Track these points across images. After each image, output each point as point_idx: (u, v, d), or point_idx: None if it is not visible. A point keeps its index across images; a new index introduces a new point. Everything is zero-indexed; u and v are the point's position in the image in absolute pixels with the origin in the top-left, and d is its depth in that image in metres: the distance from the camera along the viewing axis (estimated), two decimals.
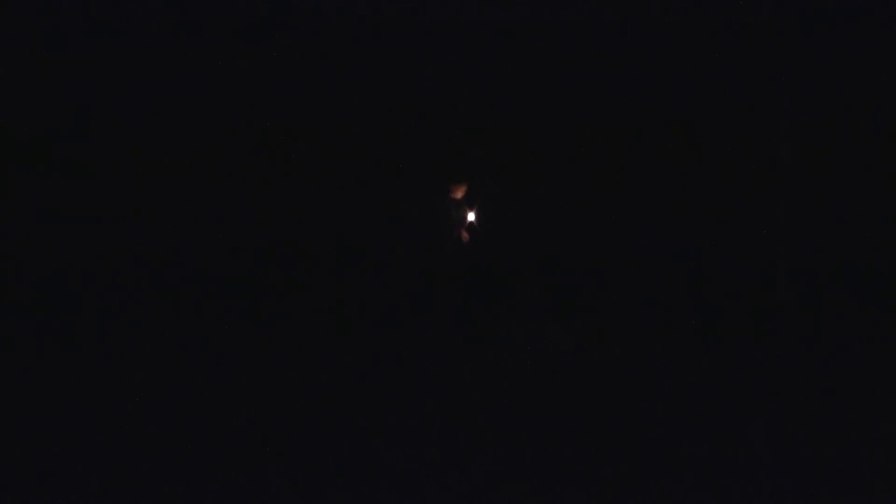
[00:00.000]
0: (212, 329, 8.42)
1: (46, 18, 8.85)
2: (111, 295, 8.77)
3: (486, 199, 8.69)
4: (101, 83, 8.97)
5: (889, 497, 5.36)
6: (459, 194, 8.66)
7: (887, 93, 8.86)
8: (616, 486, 5.49)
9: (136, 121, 8.86)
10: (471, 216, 8.62)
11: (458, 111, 9.09)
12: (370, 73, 9.03)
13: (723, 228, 9.02)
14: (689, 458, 5.83)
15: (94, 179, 8.91)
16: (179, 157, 8.91)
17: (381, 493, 5.38)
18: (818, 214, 8.95)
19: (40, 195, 8.90)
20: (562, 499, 5.34)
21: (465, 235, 8.63)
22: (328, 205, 9.00)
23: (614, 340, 8.25)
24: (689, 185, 9.00)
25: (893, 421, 6.42)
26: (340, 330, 8.52)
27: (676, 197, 9.03)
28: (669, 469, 5.69)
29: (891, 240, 8.85)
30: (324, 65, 9.03)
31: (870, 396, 6.91)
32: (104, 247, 8.90)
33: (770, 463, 5.79)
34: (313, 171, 9.03)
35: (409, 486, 5.47)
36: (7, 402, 6.73)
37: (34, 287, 8.77)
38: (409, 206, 8.89)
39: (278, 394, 6.93)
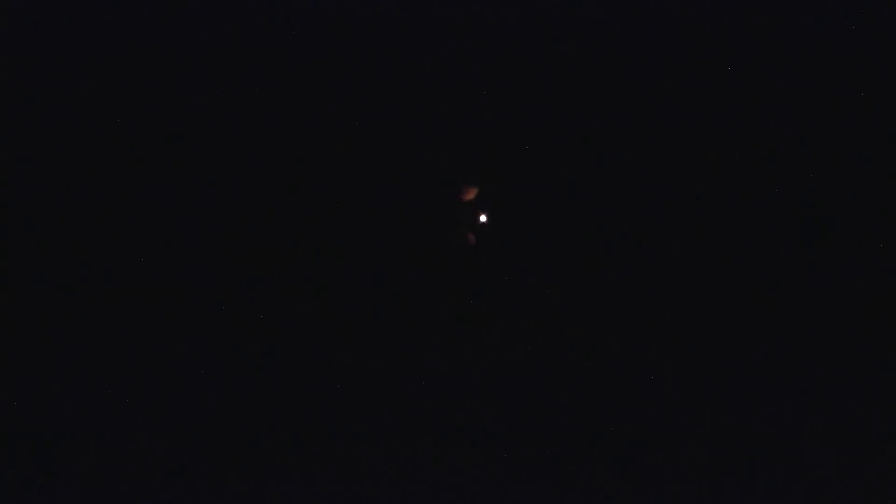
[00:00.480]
0: (217, 332, 8.36)
1: (46, 18, 8.84)
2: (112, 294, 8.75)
3: (498, 201, 8.66)
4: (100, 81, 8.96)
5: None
6: (470, 196, 8.61)
7: (887, 93, 8.85)
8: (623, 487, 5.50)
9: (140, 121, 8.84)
10: (482, 218, 8.56)
11: (469, 112, 9.06)
12: (381, 72, 9.01)
13: (737, 230, 8.97)
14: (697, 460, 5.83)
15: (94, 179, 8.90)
16: (186, 156, 8.89)
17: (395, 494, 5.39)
18: (819, 214, 8.94)
19: (40, 193, 8.89)
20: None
21: (471, 238, 8.59)
22: (335, 205, 8.98)
23: (626, 346, 8.14)
24: (710, 189, 8.95)
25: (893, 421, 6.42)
26: (347, 331, 8.46)
27: (696, 203, 8.97)
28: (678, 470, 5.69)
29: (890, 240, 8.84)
30: (333, 63, 9.01)
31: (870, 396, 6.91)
32: (104, 246, 8.90)
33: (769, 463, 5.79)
34: (319, 171, 9.02)
35: (419, 486, 5.47)
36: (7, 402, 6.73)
37: (33, 286, 8.76)
38: (417, 208, 8.86)
39: (278, 395, 6.92)
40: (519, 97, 9.19)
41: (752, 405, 6.74)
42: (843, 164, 9.01)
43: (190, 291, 8.81)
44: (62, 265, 8.86)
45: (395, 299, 8.84)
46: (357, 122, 9.09)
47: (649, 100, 9.08)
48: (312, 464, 5.76)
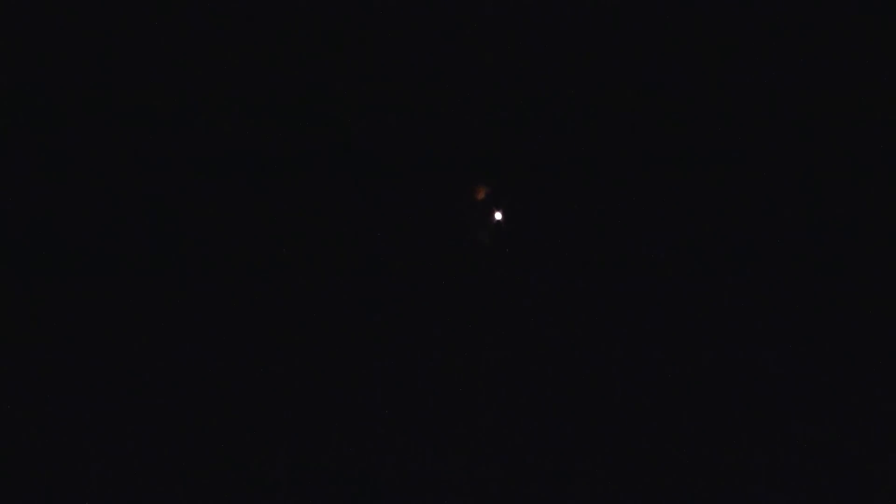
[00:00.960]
0: (229, 334, 8.32)
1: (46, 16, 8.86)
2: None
3: (512, 200, 8.64)
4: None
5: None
6: (482, 196, 8.58)
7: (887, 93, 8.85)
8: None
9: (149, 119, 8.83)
10: (497, 215, 8.52)
11: (482, 111, 9.04)
12: (394, 72, 9.01)
13: (746, 229, 8.94)
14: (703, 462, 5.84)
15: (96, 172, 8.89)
16: (202, 154, 8.88)
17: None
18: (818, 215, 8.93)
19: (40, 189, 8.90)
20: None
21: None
22: (344, 205, 8.97)
23: (639, 345, 8.09)
24: (728, 190, 8.92)
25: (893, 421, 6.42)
26: (359, 329, 8.43)
27: (713, 202, 8.94)
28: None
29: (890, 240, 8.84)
30: (343, 63, 9.01)
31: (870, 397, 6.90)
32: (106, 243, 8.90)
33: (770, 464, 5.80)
34: (334, 172, 9.02)
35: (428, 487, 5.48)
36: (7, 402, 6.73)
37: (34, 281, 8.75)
38: (428, 208, 8.85)
39: (287, 395, 6.94)
40: (533, 98, 9.19)
41: (760, 407, 6.74)
42: (843, 164, 9.01)
43: (197, 292, 8.82)
44: (61, 265, 8.88)
45: (409, 298, 8.83)
46: (371, 123, 9.10)
47: (663, 100, 9.07)
48: (323, 462, 5.78)
